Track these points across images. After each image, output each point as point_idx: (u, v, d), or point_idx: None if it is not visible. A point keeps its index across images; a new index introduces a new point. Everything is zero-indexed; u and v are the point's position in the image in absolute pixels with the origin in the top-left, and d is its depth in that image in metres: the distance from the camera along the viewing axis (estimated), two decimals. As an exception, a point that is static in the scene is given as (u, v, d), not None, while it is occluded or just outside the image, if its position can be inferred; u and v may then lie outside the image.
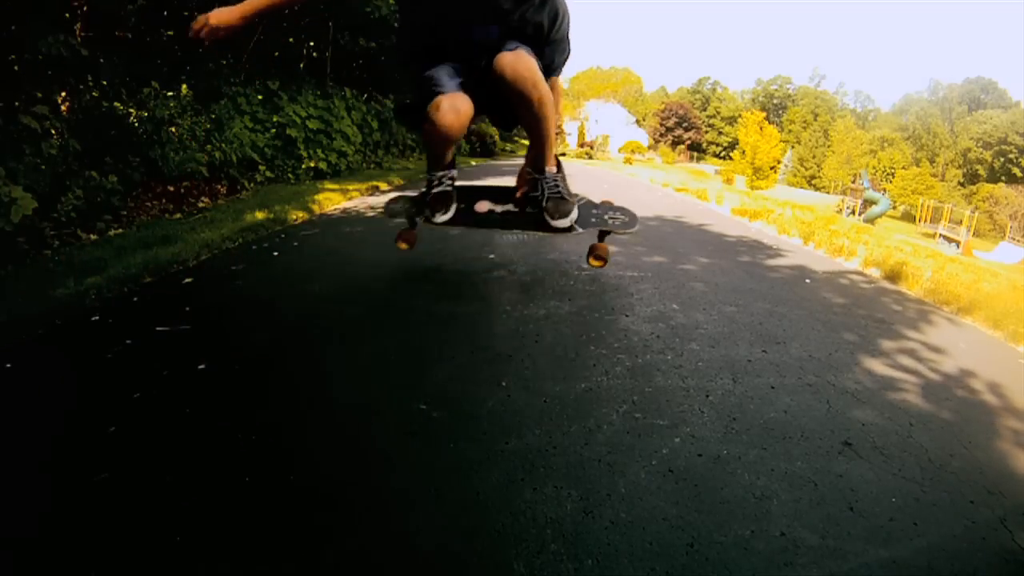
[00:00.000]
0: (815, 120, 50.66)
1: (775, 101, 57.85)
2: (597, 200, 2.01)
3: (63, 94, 3.54)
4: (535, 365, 1.39)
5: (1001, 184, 33.44)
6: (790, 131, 50.32)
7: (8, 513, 0.86)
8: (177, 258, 2.21)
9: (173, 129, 4.30)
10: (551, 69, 1.62)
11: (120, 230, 2.95)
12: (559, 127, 1.68)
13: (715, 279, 2.32)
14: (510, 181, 2.00)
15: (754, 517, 0.90)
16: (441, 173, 1.78)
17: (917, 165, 39.33)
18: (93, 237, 2.76)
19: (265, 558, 0.78)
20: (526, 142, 1.91)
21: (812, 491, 0.97)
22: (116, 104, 3.89)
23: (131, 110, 4.00)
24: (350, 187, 4.82)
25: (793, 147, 46.47)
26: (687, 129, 51.60)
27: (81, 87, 3.69)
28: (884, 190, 20.26)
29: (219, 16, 1.53)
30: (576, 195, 1.80)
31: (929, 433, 1.21)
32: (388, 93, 9.35)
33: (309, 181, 5.56)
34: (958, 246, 14.87)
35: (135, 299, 1.81)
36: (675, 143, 50.26)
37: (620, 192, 6.58)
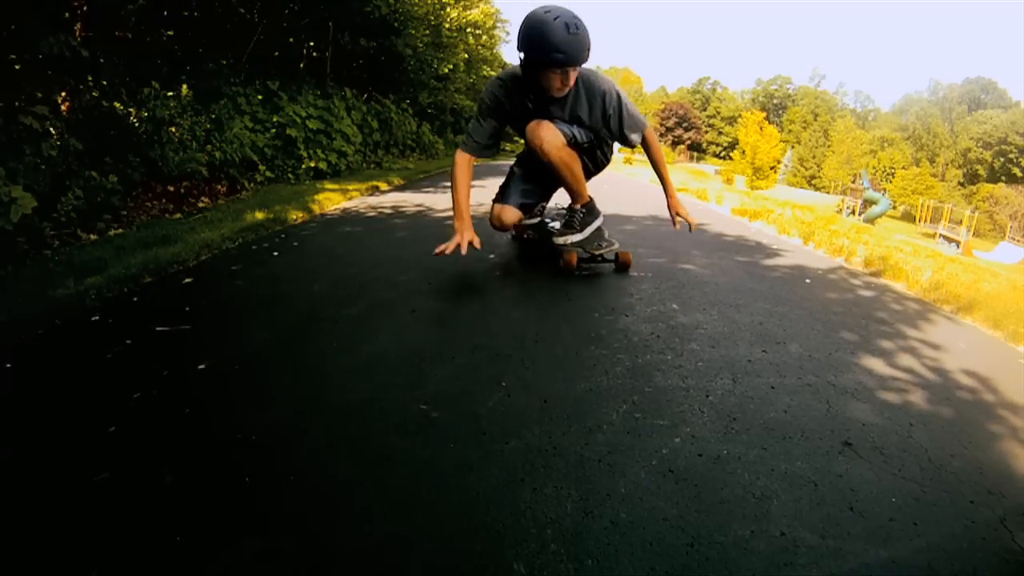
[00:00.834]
0: (815, 120, 50.67)
1: (775, 101, 57.85)
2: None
3: (63, 94, 3.54)
4: (535, 365, 1.39)
5: (1001, 184, 33.45)
6: (790, 131, 50.32)
7: (8, 513, 0.86)
8: (177, 258, 2.21)
9: (173, 129, 4.30)
10: (630, 142, 2.10)
11: (120, 230, 2.96)
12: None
13: (715, 279, 2.32)
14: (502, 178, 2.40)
15: (754, 517, 0.90)
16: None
17: (917, 165, 39.34)
18: (93, 237, 2.76)
19: (265, 558, 0.78)
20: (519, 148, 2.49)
21: (812, 491, 0.97)
22: (116, 104, 3.89)
23: (131, 110, 4.00)
24: (350, 187, 4.82)
25: (793, 147, 46.48)
26: (687, 129, 51.60)
27: (81, 87, 3.69)
28: (884, 190, 20.27)
29: (470, 231, 1.95)
30: (598, 231, 2.26)
31: (929, 433, 1.21)
32: (388, 93, 9.36)
33: (309, 181, 5.56)
34: (958, 246, 14.88)
35: (135, 299, 1.81)
36: (675, 143, 50.26)
37: (620, 192, 6.58)
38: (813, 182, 43.22)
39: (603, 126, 2.04)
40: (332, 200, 4.07)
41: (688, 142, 51.04)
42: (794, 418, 1.22)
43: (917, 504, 0.97)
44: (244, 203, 3.85)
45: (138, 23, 4.85)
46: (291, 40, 7.38)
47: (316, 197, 3.98)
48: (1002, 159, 40.37)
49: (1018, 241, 19.97)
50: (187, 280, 2.03)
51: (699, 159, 49.78)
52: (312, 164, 5.95)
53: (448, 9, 11.31)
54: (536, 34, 1.75)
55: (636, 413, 1.19)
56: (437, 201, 4.37)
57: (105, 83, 3.93)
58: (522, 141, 2.12)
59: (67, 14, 3.75)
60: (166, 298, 1.85)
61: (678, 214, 2.24)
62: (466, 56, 12.86)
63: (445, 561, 0.78)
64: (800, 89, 57.21)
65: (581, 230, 2.20)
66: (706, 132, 55.39)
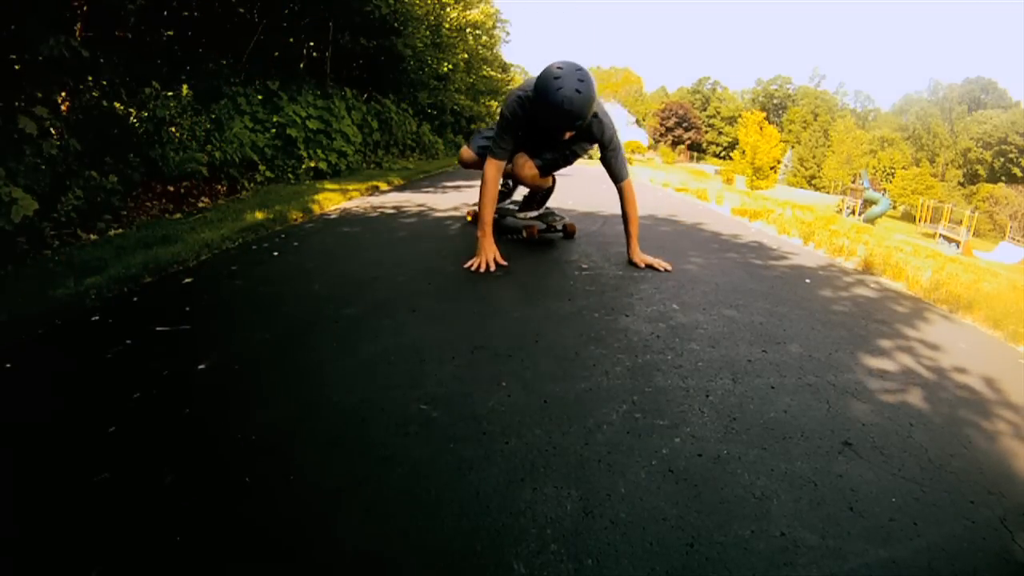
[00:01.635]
0: (815, 120, 50.68)
1: (775, 101, 57.86)
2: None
3: (63, 94, 3.54)
4: (535, 365, 1.39)
5: (1001, 184, 33.46)
6: (790, 131, 50.34)
7: (9, 513, 0.86)
8: (177, 258, 2.21)
9: (173, 129, 4.30)
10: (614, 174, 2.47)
11: (120, 230, 2.96)
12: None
13: (715, 279, 2.32)
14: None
15: (754, 517, 0.90)
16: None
17: (917, 165, 39.35)
18: (93, 237, 2.76)
19: (265, 558, 0.78)
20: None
21: (812, 491, 0.97)
22: (116, 104, 3.89)
23: (131, 110, 4.00)
24: (350, 187, 4.82)
25: (793, 147, 46.51)
26: (687, 129, 51.60)
27: (81, 87, 3.69)
28: (884, 190, 20.25)
29: (494, 247, 2.30)
30: (547, 209, 3.05)
31: (929, 433, 1.21)
32: (388, 93, 9.36)
33: (309, 181, 5.56)
34: (958, 246, 14.88)
35: (135, 299, 1.81)
36: (675, 143, 50.26)
37: (620, 192, 6.58)
38: (813, 182, 43.23)
39: (588, 148, 2.56)
40: (332, 200, 4.07)
41: (688, 142, 51.03)
42: (794, 418, 1.22)
43: (917, 504, 0.97)
44: (244, 203, 3.85)
45: (138, 23, 4.85)
46: (291, 40, 7.38)
47: (316, 197, 3.98)
48: (1002, 159, 40.37)
49: (1018, 241, 19.97)
50: (187, 280, 2.03)
51: (699, 159, 49.77)
52: (312, 164, 5.94)
53: (448, 9, 11.31)
54: (549, 109, 2.09)
55: (636, 413, 1.19)
56: (437, 201, 4.36)
57: (105, 83, 3.92)
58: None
59: (67, 14, 3.74)
60: (166, 298, 1.85)
61: (642, 261, 2.45)
62: (466, 56, 12.86)
63: (445, 561, 0.78)
64: (800, 89, 57.20)
65: (539, 207, 2.98)
66: (706, 132, 55.36)
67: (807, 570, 0.80)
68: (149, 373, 1.29)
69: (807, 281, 2.46)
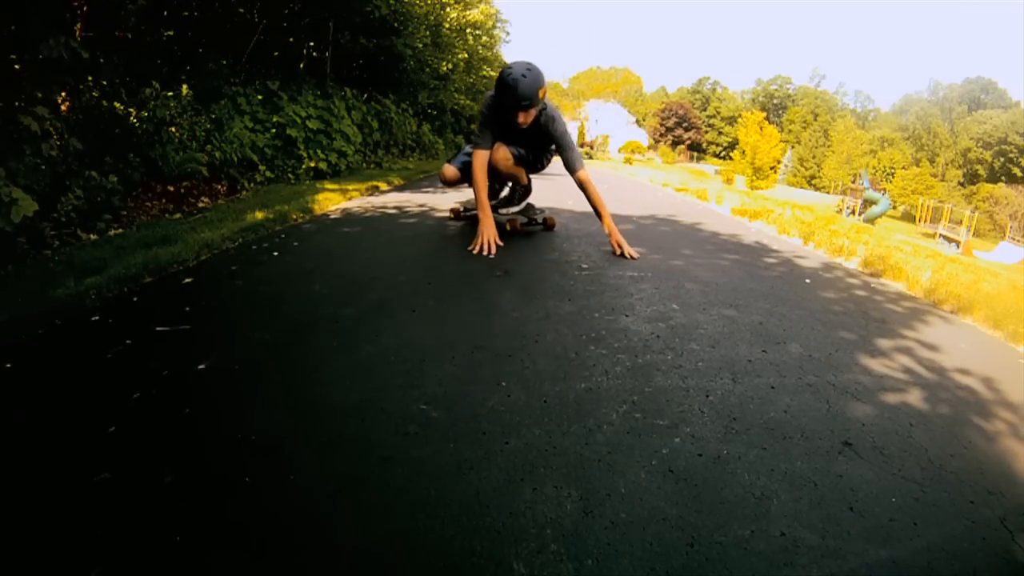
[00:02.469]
0: (815, 120, 50.67)
1: (775, 101, 57.86)
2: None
3: (63, 94, 3.54)
4: (535, 365, 1.39)
5: (1001, 184, 33.46)
6: (790, 131, 50.33)
7: (9, 513, 0.86)
8: (177, 258, 2.21)
9: (173, 129, 4.30)
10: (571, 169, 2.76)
11: (120, 230, 2.96)
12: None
13: (715, 279, 2.32)
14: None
15: (754, 517, 0.90)
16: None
17: (917, 165, 39.34)
18: (93, 237, 2.76)
19: (266, 558, 0.78)
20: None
21: (812, 491, 0.97)
22: (116, 104, 3.89)
23: (131, 110, 4.00)
24: (350, 187, 4.82)
25: (793, 147, 46.49)
26: (687, 129, 51.60)
27: (81, 87, 3.69)
28: (884, 190, 20.23)
29: (494, 229, 2.57)
30: (528, 204, 3.24)
31: (929, 433, 1.21)
32: (388, 93, 9.36)
33: (309, 181, 5.56)
34: (958, 246, 14.88)
35: (135, 299, 1.81)
36: (675, 143, 50.25)
37: (619, 192, 6.58)
38: (813, 182, 43.21)
39: (554, 149, 2.87)
40: (332, 200, 4.06)
41: (688, 142, 51.02)
42: (794, 418, 1.22)
43: (917, 504, 0.97)
44: (244, 203, 3.85)
45: (138, 23, 4.85)
46: (291, 40, 7.38)
47: (316, 197, 3.98)
48: (1002, 159, 40.37)
49: (1018, 241, 19.97)
50: (187, 280, 2.03)
51: (699, 159, 49.76)
52: (312, 164, 5.94)
53: (448, 9, 11.31)
54: (503, 91, 2.48)
55: (636, 413, 1.19)
56: (437, 201, 4.36)
57: (105, 83, 3.92)
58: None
59: (67, 14, 3.74)
60: (166, 298, 1.85)
61: (619, 244, 2.67)
62: (466, 56, 12.86)
63: (445, 561, 0.78)
64: (800, 89, 57.21)
65: (519, 203, 3.18)
66: (706, 132, 55.36)
67: (807, 570, 0.80)
68: (149, 373, 1.29)
69: (807, 281, 2.46)
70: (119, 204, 3.25)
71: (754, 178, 25.82)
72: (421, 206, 4.08)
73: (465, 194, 4.05)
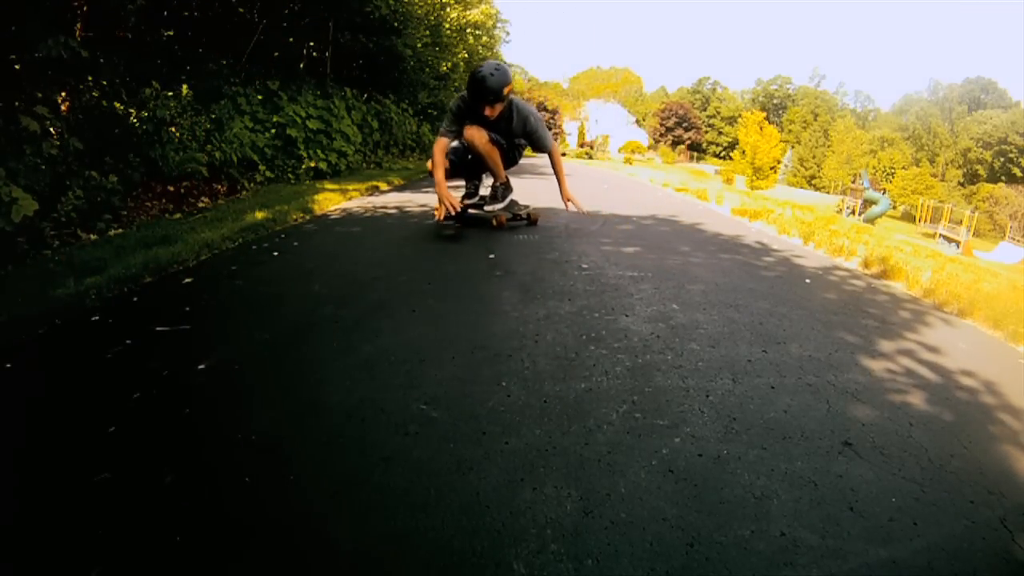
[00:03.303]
0: (815, 120, 50.67)
1: (775, 101, 57.86)
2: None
3: (63, 94, 3.54)
4: (535, 365, 1.39)
5: (1001, 184, 33.46)
6: (790, 131, 50.32)
7: (9, 513, 0.86)
8: (177, 258, 2.21)
9: (173, 129, 4.30)
10: (542, 149, 3.16)
11: (120, 230, 2.96)
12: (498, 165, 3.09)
13: (715, 279, 2.31)
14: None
15: (754, 517, 0.90)
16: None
17: (917, 165, 39.34)
18: (93, 237, 2.76)
19: (266, 558, 0.78)
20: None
21: (812, 491, 0.97)
22: (116, 104, 3.89)
23: (131, 110, 4.00)
24: (350, 187, 4.82)
25: (793, 147, 46.48)
26: (687, 129, 51.58)
27: (81, 87, 3.69)
28: (884, 190, 20.21)
29: (450, 195, 2.82)
30: (512, 201, 3.28)
31: (929, 433, 1.21)
32: (388, 93, 9.35)
33: (309, 181, 5.56)
34: (958, 246, 14.87)
35: (135, 299, 1.81)
36: (675, 143, 50.23)
37: (619, 192, 6.58)
38: (813, 182, 43.21)
39: (523, 137, 3.07)
40: (332, 200, 4.07)
41: (688, 142, 51.00)
42: (794, 418, 1.22)
43: (917, 504, 0.97)
44: (244, 203, 3.85)
45: (138, 23, 4.85)
46: (291, 40, 7.38)
47: (316, 197, 3.98)
48: (1002, 159, 40.37)
49: (1018, 241, 19.97)
50: (187, 280, 2.03)
51: (699, 159, 49.76)
52: (312, 164, 5.94)
53: (448, 9, 11.31)
54: (473, 86, 2.78)
55: (636, 413, 1.19)
56: (438, 201, 4.36)
57: (105, 83, 3.92)
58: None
59: (67, 14, 3.74)
60: (166, 298, 1.85)
61: (569, 200, 3.13)
62: (466, 56, 12.86)
63: (445, 561, 0.78)
64: (800, 89, 57.22)
65: (502, 200, 3.19)
66: (706, 132, 55.36)
67: (807, 570, 0.80)
68: (149, 373, 1.29)
69: (807, 281, 2.46)
70: (119, 204, 3.25)
71: (754, 178, 25.82)
72: (421, 206, 4.08)
73: (458, 193, 4.04)
